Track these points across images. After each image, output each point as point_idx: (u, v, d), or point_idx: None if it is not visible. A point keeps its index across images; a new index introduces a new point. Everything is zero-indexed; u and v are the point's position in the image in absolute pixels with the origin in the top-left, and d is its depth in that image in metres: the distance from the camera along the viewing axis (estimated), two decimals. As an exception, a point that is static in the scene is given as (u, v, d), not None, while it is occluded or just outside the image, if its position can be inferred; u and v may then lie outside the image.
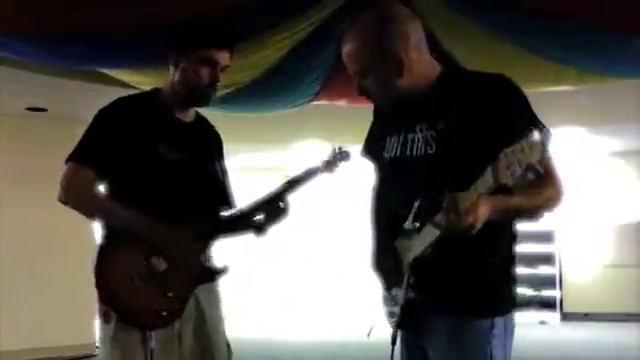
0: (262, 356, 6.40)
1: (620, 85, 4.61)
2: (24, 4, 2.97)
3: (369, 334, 2.03)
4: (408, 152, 1.84)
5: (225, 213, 2.39)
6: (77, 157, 2.21)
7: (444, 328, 1.78)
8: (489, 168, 1.52)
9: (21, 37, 3.17)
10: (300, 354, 6.82)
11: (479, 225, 1.59)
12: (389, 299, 1.87)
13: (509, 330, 1.82)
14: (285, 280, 9.48)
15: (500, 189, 1.57)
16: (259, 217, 2.38)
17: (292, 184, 2.44)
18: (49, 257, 6.15)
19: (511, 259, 1.85)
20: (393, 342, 1.80)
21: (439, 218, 1.61)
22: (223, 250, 2.36)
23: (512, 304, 1.84)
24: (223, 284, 2.35)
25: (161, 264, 2.19)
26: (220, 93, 4.11)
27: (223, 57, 2.28)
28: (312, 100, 4.44)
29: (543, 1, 3.21)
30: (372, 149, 2.03)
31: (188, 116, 2.37)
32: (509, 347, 1.82)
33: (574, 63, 3.79)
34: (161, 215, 2.19)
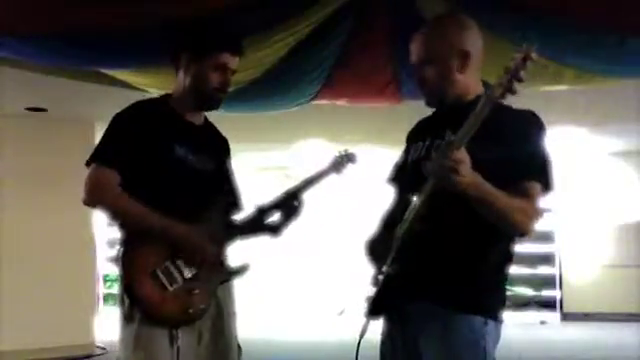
0: (261, 356, 6.41)
1: (620, 85, 4.61)
2: (24, 4, 2.97)
3: (341, 313, 2.06)
4: (432, 154, 1.88)
5: (241, 214, 2.42)
6: (100, 159, 2.23)
7: (435, 319, 1.81)
8: (484, 94, 1.62)
9: (21, 37, 3.17)
10: (297, 354, 6.82)
11: (463, 172, 1.62)
12: (371, 283, 1.90)
13: (499, 335, 1.86)
14: (282, 279, 9.49)
15: None
16: (273, 218, 2.42)
17: (306, 184, 2.49)
18: (49, 257, 6.15)
19: (508, 259, 1.89)
20: (361, 335, 1.85)
21: (429, 163, 1.69)
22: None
23: (502, 308, 1.88)
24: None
25: (186, 263, 2.22)
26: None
27: (234, 62, 2.31)
28: (312, 100, 4.44)
29: (544, 1, 3.21)
30: (398, 176, 2.08)
31: (198, 119, 2.40)
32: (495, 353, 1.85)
33: (574, 63, 3.79)
34: (181, 217, 2.22)
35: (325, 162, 2.66)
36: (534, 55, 1.55)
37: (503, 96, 1.57)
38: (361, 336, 1.86)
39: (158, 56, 3.15)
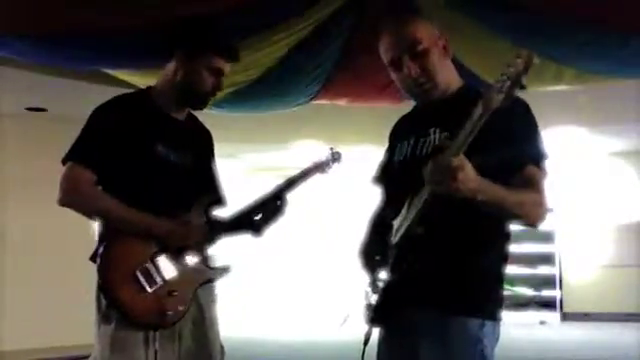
0: (256, 356, 6.41)
1: (620, 85, 4.61)
2: (24, 4, 2.97)
3: (342, 324, 2.04)
4: (418, 152, 1.87)
5: (225, 213, 2.38)
6: (76, 157, 2.19)
7: (432, 324, 1.78)
8: (480, 101, 1.50)
9: (21, 37, 3.17)
10: (295, 354, 6.82)
11: (465, 184, 1.55)
12: (370, 291, 1.88)
13: (496, 337, 1.83)
14: (278, 279, 9.49)
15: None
16: (257, 217, 2.39)
17: (289, 183, 2.45)
18: (49, 257, 6.14)
19: (503, 259, 1.87)
20: (365, 342, 1.83)
21: (427, 167, 1.60)
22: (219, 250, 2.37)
23: (499, 308, 1.85)
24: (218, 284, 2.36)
25: (167, 263, 2.18)
26: (220, 93, 4.13)
27: (227, 67, 2.31)
28: (312, 100, 4.44)
29: (543, 1, 3.21)
30: (384, 177, 2.05)
31: (181, 114, 2.36)
32: (494, 354, 1.82)
33: (574, 63, 3.78)
34: (162, 216, 2.18)
35: (310, 161, 2.62)
36: (536, 60, 1.49)
37: (504, 103, 1.48)
38: (365, 343, 1.85)
39: (158, 56, 3.15)
